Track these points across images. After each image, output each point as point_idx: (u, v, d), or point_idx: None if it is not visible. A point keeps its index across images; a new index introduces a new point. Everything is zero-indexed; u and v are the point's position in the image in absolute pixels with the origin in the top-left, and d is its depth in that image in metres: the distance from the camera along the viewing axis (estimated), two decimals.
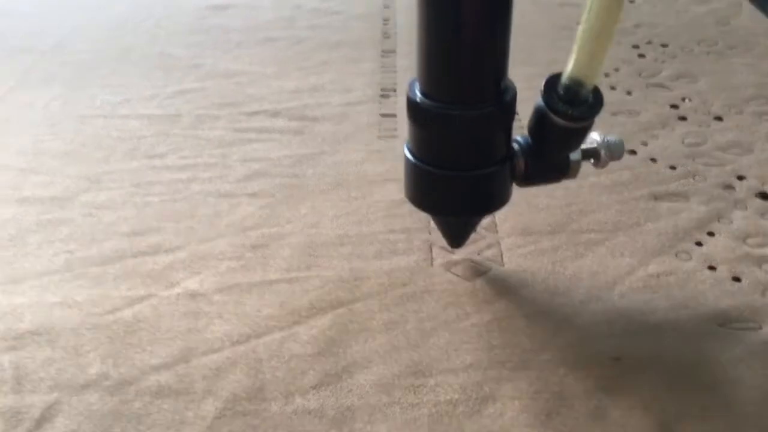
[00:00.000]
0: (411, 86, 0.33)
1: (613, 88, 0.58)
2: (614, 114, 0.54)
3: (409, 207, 0.45)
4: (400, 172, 0.48)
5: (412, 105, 0.33)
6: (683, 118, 0.54)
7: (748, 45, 0.65)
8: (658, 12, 0.72)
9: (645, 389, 0.33)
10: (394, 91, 0.60)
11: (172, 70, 0.64)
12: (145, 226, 0.45)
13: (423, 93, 0.32)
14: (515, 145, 0.35)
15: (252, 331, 0.37)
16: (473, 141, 0.33)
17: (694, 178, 0.47)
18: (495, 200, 0.36)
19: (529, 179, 0.35)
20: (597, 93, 0.32)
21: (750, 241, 0.42)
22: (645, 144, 0.51)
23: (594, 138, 0.37)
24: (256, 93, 0.60)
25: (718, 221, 0.43)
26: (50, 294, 0.40)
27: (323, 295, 0.39)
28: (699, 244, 0.42)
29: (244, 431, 0.32)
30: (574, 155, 0.36)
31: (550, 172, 0.36)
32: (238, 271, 0.41)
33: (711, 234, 0.43)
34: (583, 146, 0.36)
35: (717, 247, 0.41)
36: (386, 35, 0.70)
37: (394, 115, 0.56)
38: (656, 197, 0.46)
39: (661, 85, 0.59)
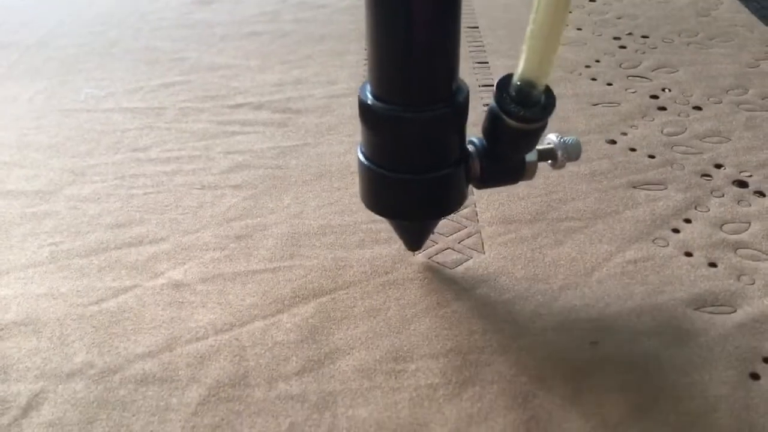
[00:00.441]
0: (362, 89, 0.33)
1: (593, 79, 0.59)
2: (594, 104, 0.55)
3: None
4: None
5: (363, 108, 0.32)
6: (663, 108, 0.55)
7: (727, 36, 0.66)
8: (638, 3, 0.72)
9: (621, 372, 0.34)
10: None
11: (156, 64, 0.65)
12: (130, 218, 0.45)
13: (374, 95, 0.32)
14: (470, 147, 0.35)
15: (235, 320, 0.37)
16: (426, 143, 0.32)
17: (672, 167, 0.48)
18: (451, 203, 0.35)
19: (484, 181, 0.35)
20: (549, 93, 0.31)
21: (726, 227, 0.43)
22: (624, 134, 0.52)
23: (551, 139, 0.37)
24: (239, 86, 0.60)
25: (695, 208, 0.44)
26: (35, 285, 0.40)
27: (306, 283, 0.40)
28: (676, 230, 0.43)
29: (228, 417, 0.32)
30: (531, 156, 0.35)
31: (506, 174, 0.36)
32: (221, 262, 0.41)
33: (688, 221, 0.43)
34: (540, 147, 0.36)
35: (693, 233, 0.42)
36: None
37: None
38: (635, 185, 0.46)
39: (641, 76, 0.60)
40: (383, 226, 0.44)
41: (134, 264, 0.41)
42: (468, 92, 0.32)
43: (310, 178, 0.48)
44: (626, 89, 0.57)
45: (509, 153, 0.34)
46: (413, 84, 0.31)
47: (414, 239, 0.38)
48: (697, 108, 0.55)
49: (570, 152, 0.36)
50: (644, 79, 0.59)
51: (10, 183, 0.49)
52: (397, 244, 0.42)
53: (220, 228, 0.44)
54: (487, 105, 0.34)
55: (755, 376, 0.33)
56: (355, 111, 0.54)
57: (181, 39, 0.69)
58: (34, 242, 0.43)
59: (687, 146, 0.50)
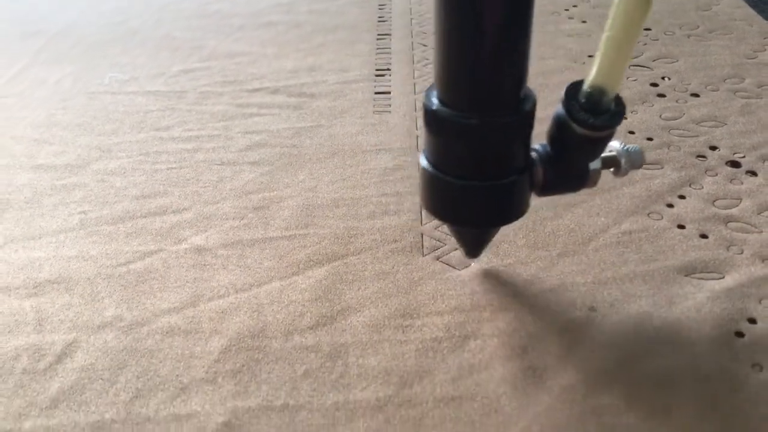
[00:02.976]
0: (427, 94, 0.32)
1: None
2: None
3: (400, 173, 0.48)
4: (392, 143, 0.52)
5: (429, 113, 0.32)
6: (662, 95, 0.57)
7: (726, 29, 0.68)
8: None
9: (613, 329, 0.36)
10: (389, 70, 0.63)
11: (176, 51, 0.67)
12: (154, 190, 0.48)
13: (441, 101, 0.31)
14: (534, 154, 0.34)
15: (254, 281, 0.40)
16: (493, 150, 0.32)
17: (669, 148, 0.50)
18: (514, 210, 0.35)
19: (547, 188, 0.34)
20: (619, 101, 0.31)
21: (718, 203, 0.45)
22: (625, 118, 0.54)
23: (614, 146, 0.36)
24: (256, 72, 0.63)
25: (690, 186, 0.47)
26: (66, 249, 0.43)
27: (320, 249, 0.42)
28: (670, 205, 0.45)
29: (248, 363, 0.35)
30: (594, 164, 0.35)
31: (570, 181, 0.35)
32: (240, 229, 0.44)
33: (682, 197, 0.46)
34: (603, 155, 0.35)
35: (687, 208, 0.45)
36: (382, 19, 0.73)
37: (388, 93, 0.59)
38: None
39: (642, 65, 0.62)
40: (392, 199, 0.46)
41: (159, 231, 0.44)
42: (535, 101, 0.32)
43: (324, 156, 0.51)
44: (627, 77, 0.60)
45: (575, 160, 0.34)
46: (481, 91, 0.31)
47: (474, 246, 0.38)
48: (695, 95, 0.57)
49: (633, 160, 0.36)
50: (645, 68, 0.61)
51: (41, 158, 0.52)
52: (406, 216, 0.44)
53: (239, 200, 0.47)
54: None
55: (740, 334, 0.36)
56: (366, 95, 0.57)
57: (200, 28, 0.72)
58: (64, 211, 0.46)
59: (684, 130, 0.53)
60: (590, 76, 0.30)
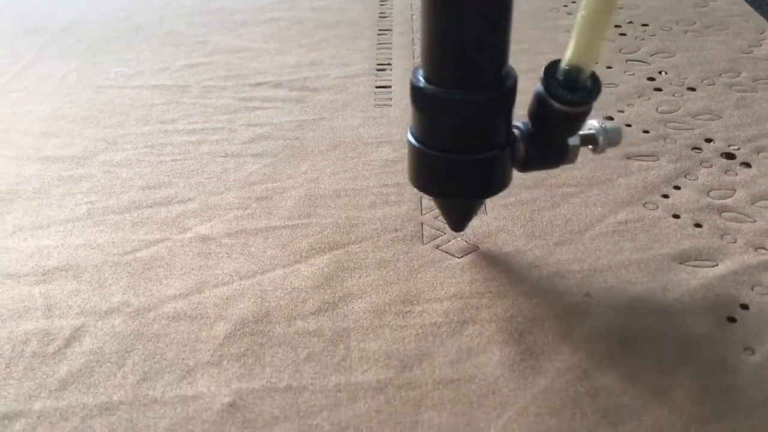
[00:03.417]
0: (414, 73, 0.34)
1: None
2: None
3: (401, 165, 0.49)
4: (393, 135, 0.53)
5: (415, 90, 0.34)
6: (658, 89, 0.58)
7: (723, 25, 0.69)
8: None
9: (609, 314, 0.37)
10: (390, 65, 0.64)
11: (180, 47, 0.68)
12: (159, 181, 0.49)
13: (426, 79, 0.33)
14: (515, 131, 0.36)
15: (258, 268, 0.41)
16: (476, 125, 0.34)
17: (664, 141, 0.51)
18: (497, 183, 0.36)
19: (528, 164, 0.36)
20: (595, 78, 0.32)
21: (713, 193, 0.46)
22: (621, 111, 0.55)
23: (592, 124, 0.38)
24: (259, 67, 0.64)
25: (685, 177, 0.47)
26: (74, 237, 0.44)
27: (322, 238, 0.43)
28: (665, 196, 0.46)
29: (252, 347, 0.36)
30: (573, 140, 0.36)
31: (550, 157, 0.37)
32: (244, 219, 0.45)
33: (677, 188, 0.47)
34: (582, 132, 0.37)
35: (682, 198, 0.45)
36: (383, 15, 0.74)
37: (389, 87, 0.60)
38: (629, 157, 0.50)
39: (639, 60, 0.63)
40: (393, 190, 0.47)
41: (164, 220, 0.45)
42: (516, 78, 0.34)
43: (326, 149, 0.52)
44: (624, 72, 0.61)
45: (555, 136, 0.35)
46: (465, 68, 0.32)
47: (459, 219, 0.40)
48: (691, 89, 0.58)
49: (611, 138, 0.37)
50: (642, 63, 0.62)
51: (48, 150, 0.52)
52: (406, 206, 0.45)
53: (243, 190, 0.47)
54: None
55: (732, 320, 0.37)
56: (367, 89, 0.58)
57: (203, 24, 0.73)
58: (71, 201, 0.47)
59: (680, 123, 0.53)
60: (567, 55, 0.32)
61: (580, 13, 0.31)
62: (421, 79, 0.33)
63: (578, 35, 0.31)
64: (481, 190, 0.37)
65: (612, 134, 0.38)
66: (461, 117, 0.33)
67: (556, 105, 0.32)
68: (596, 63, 0.32)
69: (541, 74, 0.33)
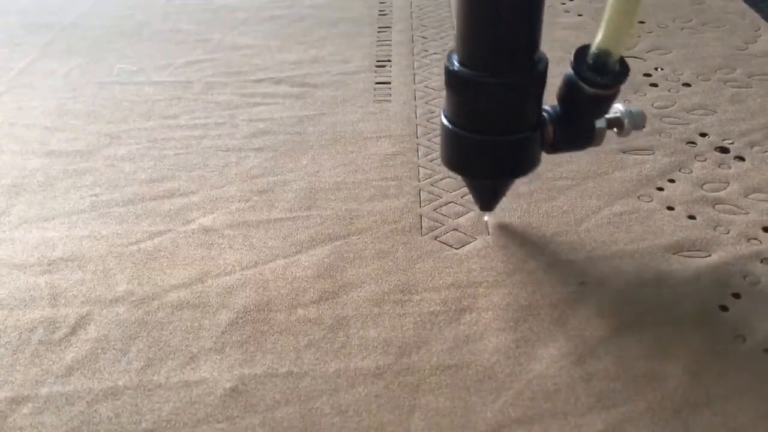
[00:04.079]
0: (449, 56, 0.35)
1: None
2: None
3: (400, 159, 0.50)
4: (392, 130, 0.54)
5: (450, 73, 0.35)
6: (654, 85, 0.59)
7: (719, 22, 0.70)
8: None
9: (603, 302, 0.38)
10: (389, 61, 0.65)
11: (182, 44, 0.69)
12: (162, 174, 0.50)
13: (461, 63, 0.35)
14: (545, 114, 0.37)
15: (259, 259, 0.42)
16: (508, 108, 0.35)
17: (660, 135, 0.52)
18: (527, 164, 0.38)
19: (557, 146, 0.38)
20: (623, 62, 0.34)
21: (706, 186, 0.47)
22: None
23: (618, 108, 0.39)
24: (261, 63, 0.65)
25: (679, 170, 0.48)
26: (79, 229, 0.44)
27: (322, 230, 0.44)
28: (660, 189, 0.47)
29: (254, 335, 0.37)
30: (600, 123, 0.38)
31: (578, 139, 0.38)
32: (246, 211, 0.46)
33: (672, 181, 0.47)
34: (608, 116, 0.38)
35: (676, 191, 0.46)
36: (383, 12, 0.75)
37: (388, 83, 0.61)
38: (624, 151, 0.50)
39: (636, 56, 0.64)
40: (392, 183, 0.48)
41: (168, 212, 0.46)
42: (547, 63, 0.35)
43: (326, 143, 0.53)
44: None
45: (583, 118, 0.37)
46: (499, 52, 0.34)
47: (488, 199, 0.41)
48: (687, 85, 0.59)
49: (636, 121, 0.39)
50: (639, 59, 0.63)
51: (52, 144, 0.53)
52: (405, 198, 0.46)
53: (244, 184, 0.48)
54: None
55: (724, 308, 0.37)
56: (367, 85, 0.59)
57: (205, 22, 0.74)
58: (76, 194, 0.48)
59: (675, 118, 0.54)
60: (596, 40, 0.33)
61: (610, 0, 0.32)
62: (456, 62, 0.35)
63: (608, 20, 0.32)
64: (512, 170, 0.38)
65: (637, 117, 0.39)
66: (494, 99, 0.35)
67: (586, 88, 0.34)
68: (624, 48, 0.34)
69: (571, 58, 0.34)
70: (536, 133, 0.37)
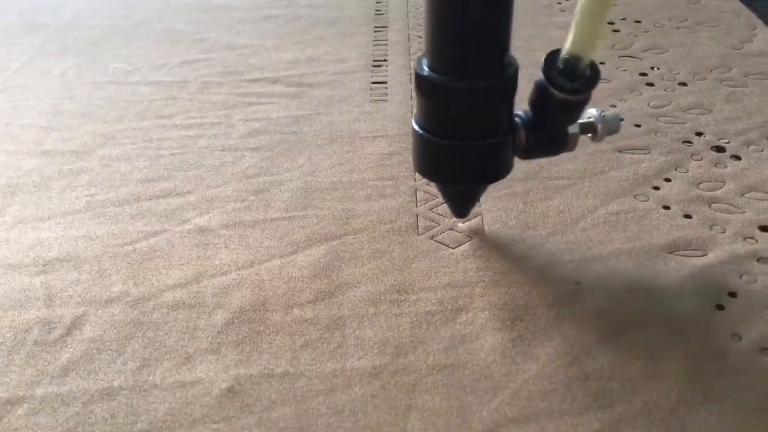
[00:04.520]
0: (419, 62, 0.35)
1: None
2: None
3: (396, 159, 0.50)
4: (389, 130, 0.53)
5: (420, 79, 0.35)
6: (651, 84, 0.59)
7: (715, 21, 0.70)
8: None
9: (599, 302, 0.38)
10: (385, 61, 0.65)
11: (178, 44, 0.69)
12: (158, 174, 0.49)
13: (430, 68, 0.34)
14: (517, 119, 0.37)
15: (255, 259, 0.42)
16: (478, 112, 0.35)
17: (656, 134, 0.52)
18: (499, 170, 0.38)
19: (529, 151, 0.37)
20: (594, 67, 0.33)
21: (702, 185, 0.47)
22: (614, 106, 0.56)
23: (591, 113, 0.38)
24: (256, 63, 0.65)
25: (675, 170, 0.48)
26: (74, 229, 0.44)
27: (319, 230, 0.44)
28: (656, 188, 0.47)
29: (250, 335, 0.37)
30: (573, 128, 0.37)
31: (550, 145, 0.38)
32: (242, 211, 0.46)
33: (668, 180, 0.47)
34: (581, 120, 0.37)
35: (672, 190, 0.46)
36: (379, 12, 0.75)
37: (384, 82, 0.61)
38: (620, 150, 0.50)
39: (632, 56, 0.64)
40: (388, 182, 0.48)
41: (163, 212, 0.46)
42: (517, 67, 0.35)
43: (322, 143, 0.53)
44: (617, 68, 0.61)
45: (555, 124, 0.36)
46: (468, 57, 0.33)
47: (462, 205, 0.41)
48: (683, 84, 0.59)
49: (609, 126, 0.38)
50: (635, 59, 0.63)
51: (48, 144, 0.53)
52: (401, 198, 0.46)
53: (240, 183, 0.48)
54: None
55: (720, 307, 0.37)
56: (363, 85, 0.59)
57: (201, 21, 0.74)
58: (71, 194, 0.48)
59: (671, 117, 0.54)
60: (566, 43, 0.33)
61: (580, 3, 0.31)
62: (425, 67, 0.34)
63: (577, 24, 0.32)
64: (485, 175, 0.38)
65: (611, 122, 0.39)
66: (464, 104, 0.34)
67: (556, 93, 0.33)
68: (594, 52, 0.33)
69: (542, 63, 0.33)
70: (508, 138, 0.36)
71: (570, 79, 0.33)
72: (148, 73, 0.63)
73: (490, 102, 0.35)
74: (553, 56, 0.33)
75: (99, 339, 0.37)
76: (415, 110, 0.37)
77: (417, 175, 0.48)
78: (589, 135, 0.39)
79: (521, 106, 0.37)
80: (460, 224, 0.43)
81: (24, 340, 0.37)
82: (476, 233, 0.43)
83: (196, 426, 0.32)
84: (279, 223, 0.44)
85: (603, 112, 0.39)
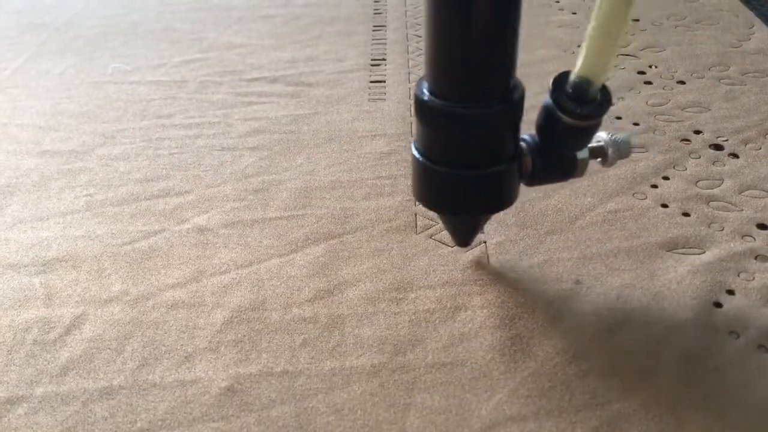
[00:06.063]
0: (419, 85, 0.33)
1: None
2: None
3: (395, 158, 0.50)
4: (387, 129, 0.54)
5: (420, 104, 0.32)
6: (649, 83, 0.59)
7: (713, 19, 0.70)
8: None
9: (597, 299, 0.38)
10: (384, 60, 0.65)
11: (177, 43, 0.69)
12: (157, 174, 0.50)
13: (431, 92, 0.32)
14: (523, 144, 0.34)
15: (254, 258, 0.42)
16: (482, 139, 0.32)
17: (654, 133, 0.52)
18: (504, 199, 0.35)
19: (536, 178, 0.35)
20: (605, 91, 0.31)
21: (701, 183, 0.47)
22: (612, 104, 0.56)
23: (601, 136, 0.36)
24: (255, 62, 0.65)
25: (674, 168, 0.48)
26: (73, 229, 0.44)
27: (317, 228, 0.44)
28: (654, 186, 0.47)
29: (249, 334, 0.37)
30: (582, 154, 0.35)
31: (558, 171, 0.35)
32: (241, 210, 0.46)
33: (666, 178, 0.47)
34: (591, 145, 0.35)
35: (670, 188, 0.46)
36: (377, 11, 0.75)
37: (383, 81, 0.61)
38: None
39: (630, 55, 0.64)
40: (387, 181, 0.48)
41: (162, 212, 0.46)
42: (524, 91, 0.32)
43: (321, 142, 0.53)
44: (615, 66, 0.62)
45: (563, 150, 0.34)
46: (470, 81, 0.31)
47: (465, 234, 0.39)
48: (681, 82, 0.59)
49: (621, 150, 0.36)
50: (633, 57, 0.63)
51: (46, 144, 0.53)
52: (400, 197, 0.46)
53: (239, 183, 0.48)
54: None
55: (718, 305, 0.37)
56: (361, 84, 0.59)
57: (200, 21, 0.74)
58: (70, 194, 0.48)
59: (669, 115, 0.54)
60: (576, 67, 0.31)
61: (591, 24, 0.29)
62: (426, 92, 0.32)
63: (588, 47, 0.30)
64: (488, 205, 0.36)
65: (622, 146, 0.36)
66: (467, 131, 0.32)
67: (565, 118, 0.31)
68: (606, 76, 0.31)
69: (550, 86, 0.31)
70: (513, 164, 0.34)
71: (580, 104, 0.31)
72: (146, 73, 0.63)
73: (494, 128, 0.33)
74: (561, 78, 0.31)
75: (98, 338, 0.37)
76: (414, 135, 0.34)
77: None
78: (599, 160, 0.37)
79: (527, 115, 0.35)
80: None
81: (23, 340, 0.37)
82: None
83: (196, 425, 0.32)
84: (278, 222, 0.44)
85: (613, 135, 0.37)
